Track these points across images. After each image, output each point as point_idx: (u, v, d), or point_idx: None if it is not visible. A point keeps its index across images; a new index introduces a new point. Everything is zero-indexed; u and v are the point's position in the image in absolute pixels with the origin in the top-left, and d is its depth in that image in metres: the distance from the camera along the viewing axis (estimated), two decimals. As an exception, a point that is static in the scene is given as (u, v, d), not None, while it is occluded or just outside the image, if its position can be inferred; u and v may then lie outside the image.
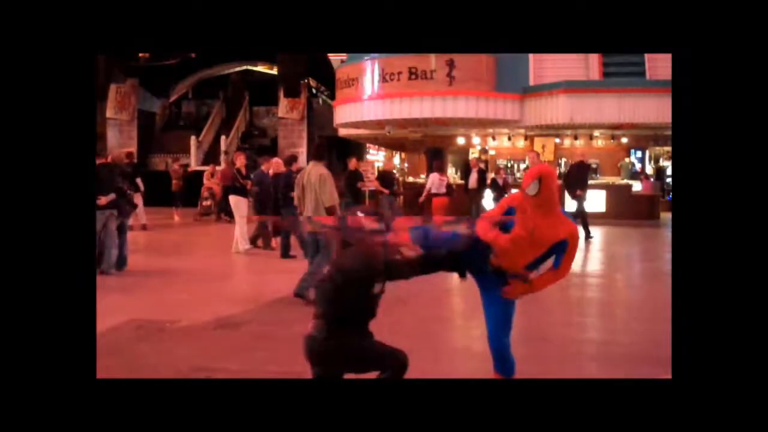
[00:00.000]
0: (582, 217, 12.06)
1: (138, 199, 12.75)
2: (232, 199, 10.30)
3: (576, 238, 3.29)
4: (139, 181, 12.91)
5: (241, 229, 10.02)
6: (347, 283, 2.97)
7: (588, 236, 11.89)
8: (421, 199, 11.92)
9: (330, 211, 6.13)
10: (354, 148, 23.19)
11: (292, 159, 10.08)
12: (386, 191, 12.08)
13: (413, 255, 3.22)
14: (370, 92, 15.95)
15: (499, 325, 3.38)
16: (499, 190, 13.68)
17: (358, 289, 2.95)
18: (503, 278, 3.36)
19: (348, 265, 3.00)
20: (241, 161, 10.67)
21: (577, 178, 12.41)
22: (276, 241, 10.28)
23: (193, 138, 24.21)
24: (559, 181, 12.47)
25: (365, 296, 2.97)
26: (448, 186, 12.27)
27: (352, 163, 13.28)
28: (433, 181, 12.15)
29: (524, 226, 3.22)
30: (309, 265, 6.41)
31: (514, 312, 3.44)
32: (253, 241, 10.41)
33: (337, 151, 23.59)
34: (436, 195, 11.90)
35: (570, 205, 12.33)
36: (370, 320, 3.08)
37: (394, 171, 13.06)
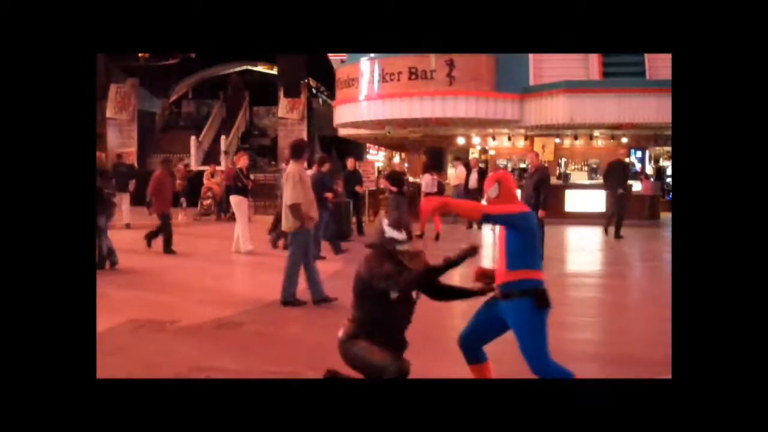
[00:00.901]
0: (619, 215, 12.45)
1: (125, 200, 13.02)
2: (234, 198, 10.30)
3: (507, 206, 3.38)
4: (132, 183, 13.24)
5: (242, 229, 10.02)
6: (362, 289, 2.97)
7: (618, 236, 12.24)
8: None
9: (291, 209, 6.16)
10: (354, 148, 23.21)
11: (323, 160, 10.24)
12: (395, 189, 11.98)
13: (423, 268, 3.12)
14: (370, 92, 15.95)
15: (537, 352, 3.29)
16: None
17: (372, 295, 2.93)
18: (524, 306, 3.29)
19: (359, 273, 3.03)
20: (243, 162, 10.69)
21: (616, 176, 12.62)
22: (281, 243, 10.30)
23: (193, 138, 24.21)
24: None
25: (382, 303, 2.95)
26: (439, 185, 12.39)
27: (350, 163, 13.27)
28: (426, 182, 12.23)
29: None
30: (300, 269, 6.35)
31: (547, 333, 3.34)
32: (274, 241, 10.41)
33: (337, 151, 23.60)
34: (428, 194, 11.98)
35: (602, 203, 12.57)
36: (400, 328, 3.05)
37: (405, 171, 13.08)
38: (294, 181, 6.18)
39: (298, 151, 6.44)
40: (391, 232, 3.00)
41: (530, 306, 3.26)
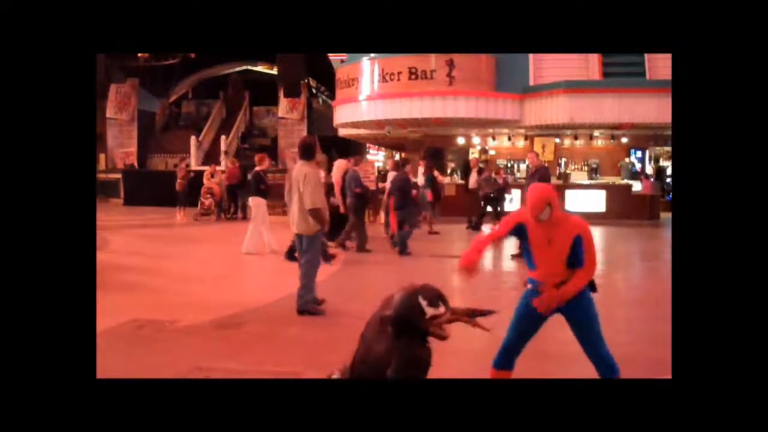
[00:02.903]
0: None
1: None
2: (254, 200, 10.12)
3: (586, 229, 3.42)
4: None
5: (266, 230, 9.96)
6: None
7: None
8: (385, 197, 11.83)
9: (313, 214, 5.80)
10: (354, 148, 23.21)
11: (405, 162, 10.51)
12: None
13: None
14: (370, 92, 15.95)
15: (600, 339, 3.42)
16: (500, 190, 13.68)
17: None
18: (587, 296, 3.42)
19: (391, 367, 2.59)
20: (266, 164, 10.60)
21: None
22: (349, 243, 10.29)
23: (193, 138, 24.22)
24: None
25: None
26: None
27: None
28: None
29: (540, 241, 3.38)
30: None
31: (599, 321, 3.45)
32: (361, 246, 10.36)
33: (337, 151, 23.65)
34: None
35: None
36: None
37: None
38: (314, 182, 5.82)
39: (308, 150, 6.02)
40: (432, 311, 2.58)
41: (589, 295, 3.44)
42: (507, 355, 3.51)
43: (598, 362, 3.43)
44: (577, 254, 3.36)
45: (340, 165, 10.49)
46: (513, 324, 3.52)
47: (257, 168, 10.43)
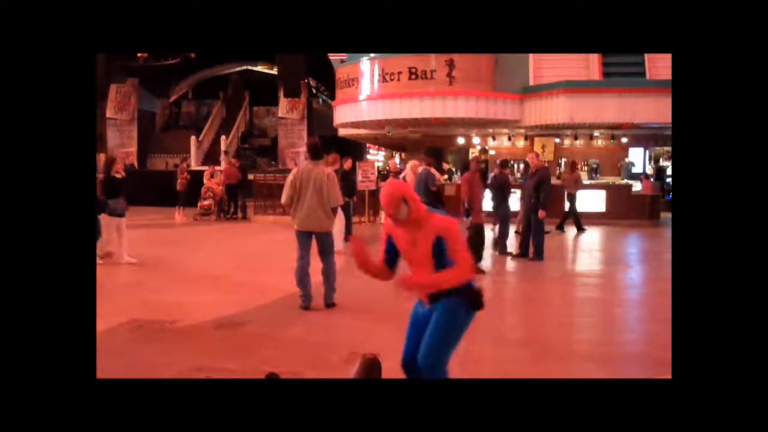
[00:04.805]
0: None
1: None
2: None
3: (450, 228, 3.06)
4: None
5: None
6: None
7: None
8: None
9: (336, 210, 6.25)
10: (354, 148, 23.23)
11: (505, 163, 10.99)
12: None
13: None
14: (370, 92, 15.96)
15: (441, 350, 3.12)
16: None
17: None
18: (455, 303, 3.11)
19: None
20: (348, 164, 10.65)
21: None
22: None
23: (193, 138, 24.24)
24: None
25: None
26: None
27: (348, 163, 13.27)
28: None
29: (406, 247, 3.17)
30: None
31: (447, 337, 3.13)
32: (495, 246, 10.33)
33: (337, 151, 23.69)
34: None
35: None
36: None
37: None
38: (336, 181, 6.24)
39: (317, 151, 6.34)
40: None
41: (461, 304, 3.11)
42: (405, 366, 3.26)
43: (420, 367, 3.13)
44: (442, 256, 3.03)
45: (413, 165, 10.76)
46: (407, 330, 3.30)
47: (341, 167, 10.68)
